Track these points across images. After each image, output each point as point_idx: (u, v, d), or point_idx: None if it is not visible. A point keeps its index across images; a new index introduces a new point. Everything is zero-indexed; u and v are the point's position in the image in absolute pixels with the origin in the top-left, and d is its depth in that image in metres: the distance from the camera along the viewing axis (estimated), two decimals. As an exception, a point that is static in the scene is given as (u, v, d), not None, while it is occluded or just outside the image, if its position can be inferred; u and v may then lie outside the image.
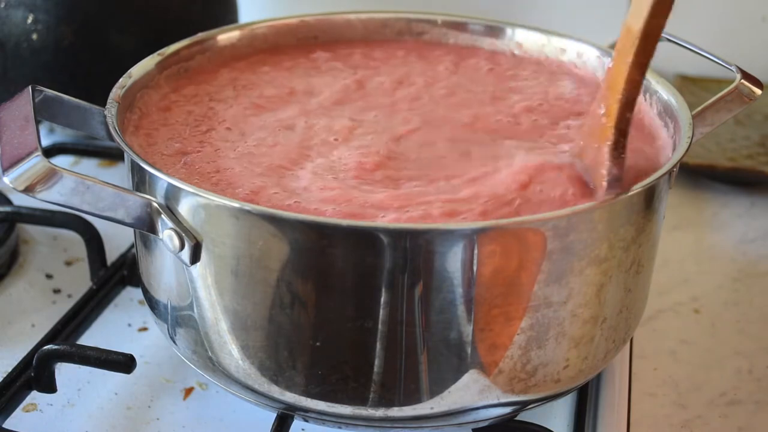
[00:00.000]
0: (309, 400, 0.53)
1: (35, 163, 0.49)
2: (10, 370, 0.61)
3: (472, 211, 0.51)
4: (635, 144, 0.61)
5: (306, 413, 0.54)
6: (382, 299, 0.49)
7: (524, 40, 0.72)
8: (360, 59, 0.71)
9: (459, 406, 0.53)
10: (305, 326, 0.51)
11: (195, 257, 0.51)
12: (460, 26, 0.74)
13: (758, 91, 0.61)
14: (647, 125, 0.63)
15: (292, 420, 0.56)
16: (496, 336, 0.51)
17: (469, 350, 0.51)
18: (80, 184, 0.50)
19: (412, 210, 0.52)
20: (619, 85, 0.53)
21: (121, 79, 0.61)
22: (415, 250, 0.48)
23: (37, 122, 0.53)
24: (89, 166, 0.89)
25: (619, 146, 0.53)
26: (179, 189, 0.50)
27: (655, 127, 0.62)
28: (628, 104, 0.53)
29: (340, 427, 0.56)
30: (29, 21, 0.84)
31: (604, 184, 0.52)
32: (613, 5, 1.06)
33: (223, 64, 0.70)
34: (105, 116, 0.57)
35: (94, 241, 0.72)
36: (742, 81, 0.60)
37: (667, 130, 0.61)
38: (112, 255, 0.73)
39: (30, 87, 0.56)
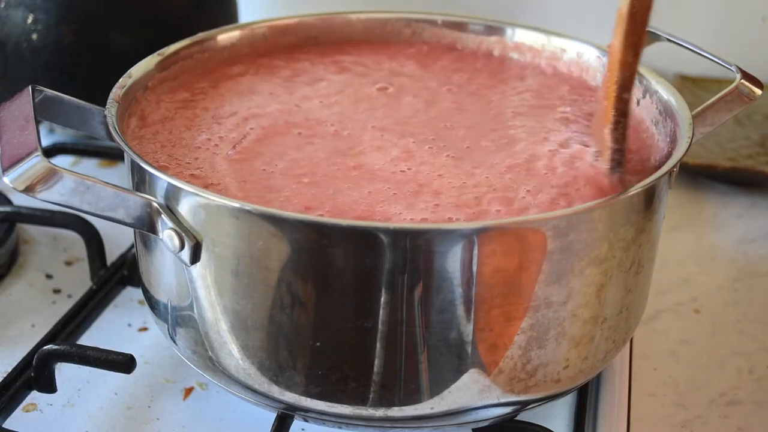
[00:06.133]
0: (309, 400, 0.53)
1: (35, 163, 0.49)
2: (10, 370, 0.61)
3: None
4: (635, 144, 0.61)
5: (306, 413, 0.54)
6: (382, 299, 0.49)
7: (524, 40, 0.72)
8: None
9: (459, 406, 0.53)
10: (305, 326, 0.51)
11: (195, 257, 0.51)
12: (460, 26, 0.74)
13: (758, 91, 0.61)
14: (647, 125, 0.63)
15: (292, 420, 0.56)
16: (497, 336, 0.51)
17: (469, 350, 0.51)
18: (80, 184, 0.50)
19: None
20: (615, 67, 0.55)
21: (121, 79, 0.61)
22: (415, 250, 0.48)
23: (37, 122, 0.53)
24: (89, 166, 0.89)
25: (619, 126, 0.55)
26: (179, 189, 0.50)
27: (654, 127, 0.62)
28: (623, 85, 0.55)
29: (340, 427, 0.56)
30: (29, 21, 0.84)
31: (607, 166, 0.55)
32: (613, 5, 1.07)
33: (224, 65, 0.70)
34: (105, 116, 0.57)
35: (94, 241, 0.72)
36: (742, 81, 0.60)
37: (667, 131, 0.61)
38: (112, 255, 0.73)
39: (30, 87, 0.56)
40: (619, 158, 0.56)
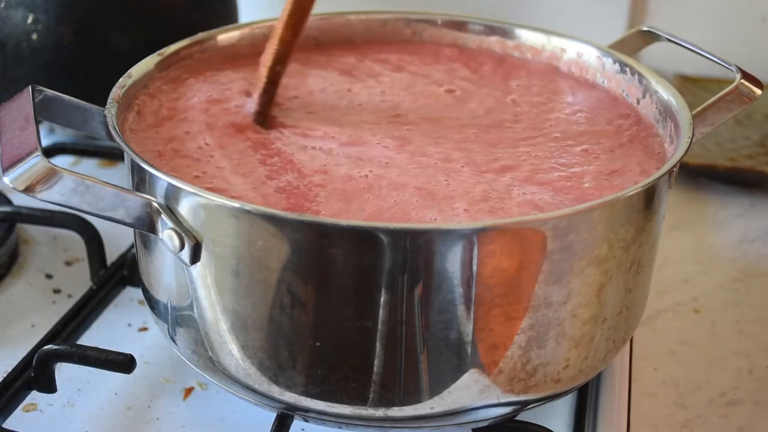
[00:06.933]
0: (309, 400, 0.53)
1: (35, 163, 0.49)
2: (10, 370, 0.61)
3: None
4: (632, 146, 0.61)
5: (306, 413, 0.54)
6: (382, 299, 0.49)
7: (524, 40, 0.72)
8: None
9: (459, 405, 0.53)
10: (305, 326, 0.51)
11: (195, 257, 0.51)
12: (460, 26, 0.74)
13: (758, 91, 0.61)
14: (647, 125, 0.63)
15: (292, 420, 0.56)
16: (496, 336, 0.51)
17: (469, 350, 0.51)
18: (80, 184, 0.50)
19: None
20: (274, 41, 0.63)
21: (121, 79, 0.61)
22: (415, 250, 0.48)
23: (37, 122, 0.53)
24: (89, 166, 0.89)
25: (266, 93, 0.63)
26: (179, 189, 0.50)
27: (654, 127, 0.62)
28: (278, 58, 0.63)
29: (340, 427, 0.56)
30: (29, 21, 0.84)
31: (251, 122, 0.62)
32: (613, 5, 1.07)
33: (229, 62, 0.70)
34: (105, 116, 0.57)
35: (94, 241, 0.72)
36: (742, 81, 0.60)
37: (667, 131, 0.61)
38: (112, 255, 0.73)
39: (30, 87, 0.56)
40: (261, 119, 0.62)
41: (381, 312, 0.49)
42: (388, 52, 0.73)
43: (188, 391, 0.63)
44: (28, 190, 0.49)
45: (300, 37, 0.63)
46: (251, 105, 0.63)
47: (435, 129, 0.62)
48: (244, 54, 0.71)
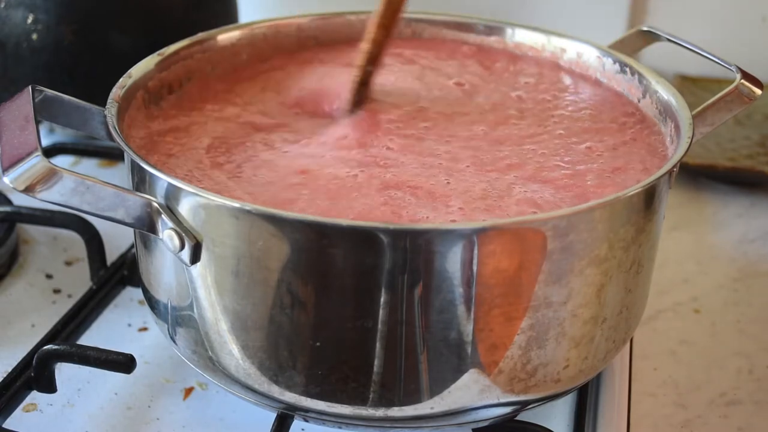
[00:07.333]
0: (309, 400, 0.53)
1: (35, 163, 0.49)
2: (10, 370, 0.61)
3: None
4: (635, 144, 0.61)
5: (306, 413, 0.54)
6: (382, 299, 0.49)
7: (524, 40, 0.72)
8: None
9: (459, 405, 0.53)
10: (305, 326, 0.51)
11: (195, 257, 0.51)
12: (459, 26, 0.74)
13: (758, 91, 0.61)
14: (650, 123, 0.63)
15: (292, 420, 0.56)
16: (496, 336, 0.51)
17: (469, 350, 0.51)
18: (80, 184, 0.50)
19: None
20: (367, 41, 0.64)
21: (121, 79, 0.61)
22: (415, 250, 0.48)
23: (37, 122, 0.53)
24: (89, 166, 0.89)
25: (358, 92, 0.64)
26: (179, 189, 0.50)
27: (657, 125, 0.62)
28: (370, 58, 0.64)
29: (340, 427, 0.56)
30: (29, 21, 0.84)
31: (343, 116, 0.63)
32: (613, 5, 1.07)
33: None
34: (105, 116, 0.57)
35: (94, 241, 0.72)
36: (742, 81, 0.60)
37: (667, 130, 0.61)
38: (112, 255, 0.73)
39: (30, 87, 0.56)
40: (349, 114, 0.63)
41: (381, 312, 0.49)
42: (404, 47, 0.73)
43: (188, 391, 0.63)
44: (28, 190, 0.49)
45: (391, 38, 0.64)
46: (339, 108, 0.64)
47: (447, 125, 0.62)
48: (245, 55, 0.71)
